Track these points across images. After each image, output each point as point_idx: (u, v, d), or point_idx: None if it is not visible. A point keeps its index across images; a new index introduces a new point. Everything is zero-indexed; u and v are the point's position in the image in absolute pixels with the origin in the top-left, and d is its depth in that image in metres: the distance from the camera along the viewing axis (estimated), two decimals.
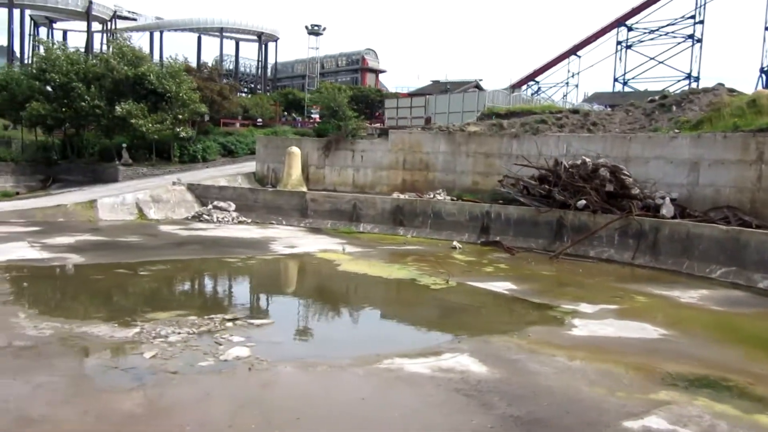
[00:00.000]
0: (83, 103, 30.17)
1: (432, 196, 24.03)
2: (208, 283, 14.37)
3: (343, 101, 35.35)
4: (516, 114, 28.16)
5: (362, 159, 27.02)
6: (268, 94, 61.97)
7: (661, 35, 67.15)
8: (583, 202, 19.87)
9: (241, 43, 79.98)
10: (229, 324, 9.75)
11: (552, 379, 7.84)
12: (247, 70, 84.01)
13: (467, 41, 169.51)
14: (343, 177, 27.49)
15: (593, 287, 14.49)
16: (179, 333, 9.10)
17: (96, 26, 61.71)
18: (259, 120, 45.74)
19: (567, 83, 72.96)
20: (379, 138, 27.05)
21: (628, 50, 70.00)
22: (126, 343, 8.61)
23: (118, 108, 29.13)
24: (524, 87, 75.73)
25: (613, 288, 14.48)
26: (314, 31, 63.06)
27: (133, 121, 29.09)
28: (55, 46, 33.28)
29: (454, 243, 20.51)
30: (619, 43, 69.29)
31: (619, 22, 69.38)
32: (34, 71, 32.62)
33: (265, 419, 6.28)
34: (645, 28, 67.89)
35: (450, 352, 8.88)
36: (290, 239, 20.44)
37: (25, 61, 59.88)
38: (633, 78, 70.04)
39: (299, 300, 12.89)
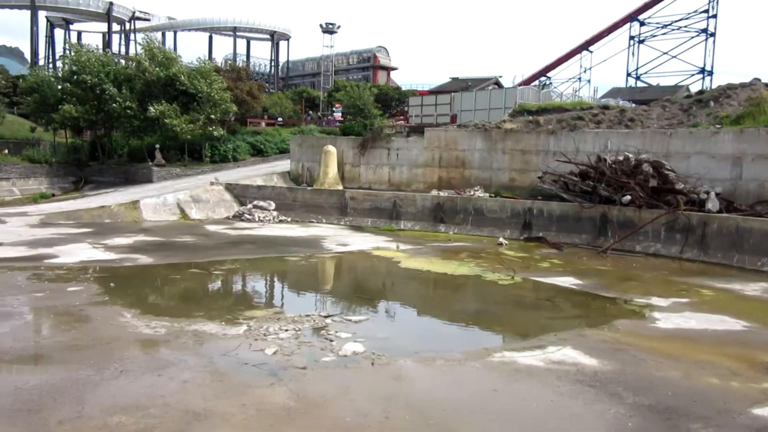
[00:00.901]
0: (115, 105, 30.41)
1: (472, 193, 24.26)
2: (284, 281, 14.62)
3: (369, 99, 35.68)
4: (547, 111, 28.34)
5: (398, 157, 27.25)
6: (282, 92, 62.13)
7: (673, 30, 67.18)
8: (628, 197, 20.10)
9: (252, 42, 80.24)
10: (328, 321, 10.01)
11: (663, 370, 8.10)
12: (258, 69, 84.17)
13: (477, 38, 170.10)
14: (378, 175, 27.73)
15: (654, 281, 14.73)
16: (286, 330, 9.37)
17: (113, 27, 61.99)
18: (280, 119, 45.99)
19: (579, 78, 72.98)
20: (415, 136, 27.25)
21: (641, 45, 70.01)
22: (241, 339, 8.87)
23: (151, 109, 29.39)
24: (535, 82, 75.77)
25: (674, 282, 14.72)
26: (329, 29, 63.24)
27: (167, 121, 29.34)
28: (84, 49, 33.45)
29: (500, 239, 20.77)
30: (631, 37, 69.32)
31: (632, 17, 69.42)
32: (65, 73, 32.84)
33: (415, 411, 6.55)
34: (658, 23, 67.93)
35: (553, 345, 9.14)
36: (337, 237, 20.70)
37: (39, 62, 60.21)
38: (645, 73, 70.10)
39: (380, 296, 13.10)
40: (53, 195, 29.22)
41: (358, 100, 36.45)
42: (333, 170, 27.10)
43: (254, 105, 36.14)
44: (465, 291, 13.39)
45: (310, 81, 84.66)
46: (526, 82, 70.58)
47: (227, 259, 15.73)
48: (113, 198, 26.34)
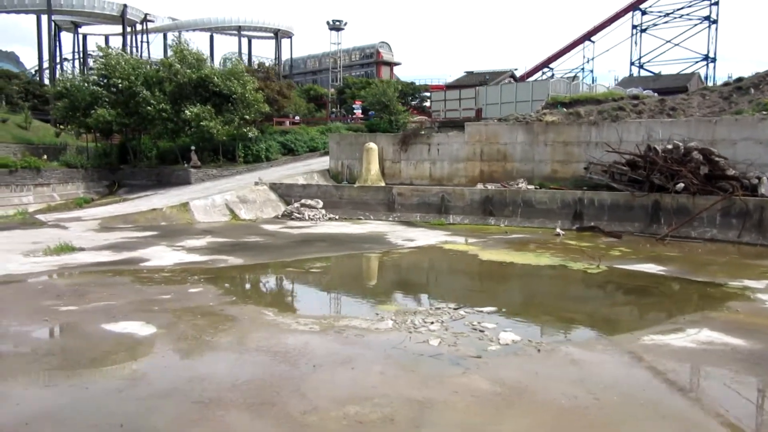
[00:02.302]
0: (149, 108, 30.51)
1: (518, 185, 24.68)
2: (383, 277, 14.79)
3: (394, 96, 35.95)
4: (580, 102, 28.83)
5: (438, 152, 27.61)
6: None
7: (675, 18, 67.95)
8: (681, 184, 20.60)
9: (253, 41, 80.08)
10: (462, 312, 10.38)
11: None
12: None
13: (478, 30, 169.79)
14: (419, 170, 28.08)
15: (731, 265, 15.22)
16: (432, 323, 9.73)
17: (118, 29, 61.74)
18: (297, 117, 46.15)
19: (582, 69, 73.65)
20: (455, 131, 27.60)
21: (643, 34, 70.74)
22: (396, 333, 9.21)
23: (187, 111, 29.53)
24: (538, 74, 76.37)
25: (750, 265, 15.22)
26: (336, 26, 63.34)
27: (203, 123, 29.49)
28: (113, 52, 33.47)
29: (558, 230, 21.22)
30: (634, 27, 70.04)
31: (633, 6, 70.10)
32: (94, 77, 32.86)
33: (617, 392, 6.93)
34: (660, 12, 68.67)
35: (690, 327, 9.56)
36: (397, 233, 21.06)
37: (44, 65, 59.90)
38: (648, 61, 70.90)
39: (488, 287, 13.43)
40: (92, 200, 29.30)
41: (383, 97, 36.71)
42: (375, 167, 27.42)
43: (284, 104, 36.34)
44: (563, 280, 13.77)
45: (311, 78, 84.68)
46: (529, 73, 71.17)
47: (312, 258, 16.03)
48: (159, 201, 26.51)
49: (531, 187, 24.62)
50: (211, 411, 6.34)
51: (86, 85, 32.34)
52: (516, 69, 60.22)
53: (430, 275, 15.09)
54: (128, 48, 51.23)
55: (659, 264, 15.14)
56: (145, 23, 56.07)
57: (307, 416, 6.26)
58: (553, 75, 77.91)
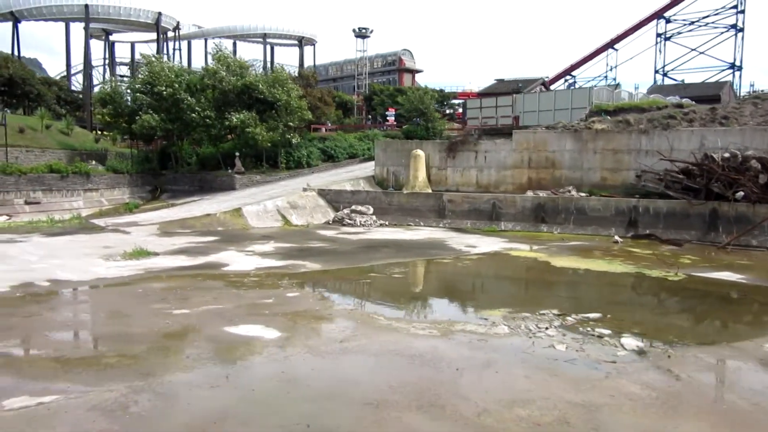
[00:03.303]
0: (194, 114, 30.84)
1: (570, 192, 24.75)
2: (465, 282, 14.77)
3: (430, 103, 36.14)
4: (624, 110, 28.86)
5: (485, 159, 27.75)
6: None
7: (700, 26, 67.88)
8: (741, 193, 20.61)
9: (275, 48, 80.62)
10: (569, 318, 10.47)
11: None
12: None
13: (500, 38, 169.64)
14: (466, 177, 28.22)
15: None
16: (546, 327, 9.84)
17: (149, 36, 62.42)
18: (328, 123, 46.43)
19: (605, 77, 73.66)
20: (502, 138, 27.73)
21: (667, 42, 70.69)
22: (516, 337, 9.33)
23: (234, 118, 29.83)
24: (560, 81, 76.49)
25: None
26: (362, 33, 63.72)
27: (248, 130, 29.78)
28: (157, 60, 33.88)
29: (615, 237, 21.28)
30: (658, 35, 70.01)
31: (658, 15, 70.12)
32: (140, 84, 33.25)
33: None
34: (684, 20, 68.60)
35: None
36: (455, 239, 21.18)
37: (74, 72, 60.62)
38: (672, 69, 70.82)
39: (578, 293, 13.42)
40: (138, 205, 29.59)
41: (420, 104, 36.92)
42: (422, 174, 27.58)
43: (325, 111, 36.62)
44: (648, 287, 13.84)
45: (333, 85, 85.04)
46: (551, 81, 71.26)
47: (387, 263, 16.18)
48: (208, 206, 26.77)
49: (582, 194, 24.67)
50: (386, 412, 6.47)
51: (129, 92, 32.69)
52: (547, 77, 60.30)
53: (512, 281, 15.14)
54: (164, 56, 51.65)
55: (735, 272, 15.19)
56: (177, 30, 56.67)
57: (483, 418, 6.38)
58: (575, 82, 78.01)
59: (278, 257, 16.71)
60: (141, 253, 16.33)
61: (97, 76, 63.68)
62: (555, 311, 10.93)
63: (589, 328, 9.86)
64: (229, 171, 31.43)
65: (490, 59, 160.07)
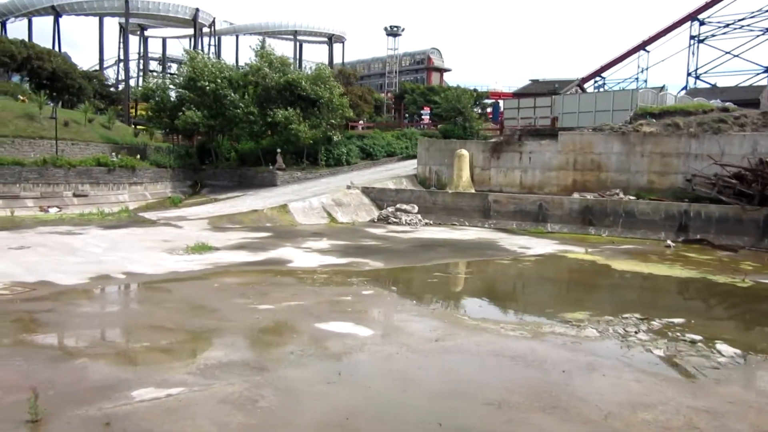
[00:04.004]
0: (237, 110, 31.06)
1: (618, 195, 24.59)
2: (533, 284, 14.77)
3: (468, 103, 36.07)
4: (669, 113, 28.55)
5: (530, 160, 27.65)
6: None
7: (735, 29, 66.93)
8: None
9: (304, 45, 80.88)
10: (655, 323, 10.43)
11: None
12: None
13: (529, 38, 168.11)
14: (509, 178, 28.15)
15: None
16: (636, 332, 9.81)
17: (185, 31, 62.96)
18: (361, 121, 46.53)
19: (636, 79, 72.94)
20: (547, 139, 27.61)
21: (700, 44, 69.79)
22: (609, 341, 9.31)
23: (278, 114, 30.00)
24: (590, 82, 75.83)
25: None
26: (393, 32, 63.74)
27: (292, 126, 29.94)
28: (199, 56, 34.19)
29: (668, 242, 21.09)
30: (692, 37, 69.11)
31: (692, 17, 69.20)
32: (180, 80, 33.56)
33: None
34: (719, 22, 67.67)
35: None
36: (505, 240, 21.15)
37: (105, 66, 61.29)
38: (705, 72, 69.92)
39: (651, 298, 13.32)
40: (181, 199, 29.86)
41: (458, 103, 36.87)
42: (466, 174, 27.56)
43: (365, 109, 36.72)
44: (721, 293, 13.73)
45: (360, 83, 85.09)
46: (582, 82, 70.71)
47: (448, 263, 16.26)
48: (252, 202, 26.98)
49: (631, 197, 24.48)
50: (512, 413, 6.51)
51: (172, 87, 33.01)
52: (577, 78, 59.87)
53: (578, 283, 15.04)
54: (201, 52, 52.13)
55: None
56: (212, 26, 57.14)
57: (610, 421, 6.39)
58: (604, 84, 77.34)
59: (337, 254, 16.81)
60: (203, 248, 16.51)
61: (133, 72, 64.18)
62: (637, 315, 10.89)
63: (678, 333, 9.81)
64: (270, 167, 31.62)
65: (517, 59, 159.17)
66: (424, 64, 78.55)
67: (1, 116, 28.99)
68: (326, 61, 76.46)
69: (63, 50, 50.13)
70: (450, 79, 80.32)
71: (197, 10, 51.34)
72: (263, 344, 8.81)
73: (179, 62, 78.20)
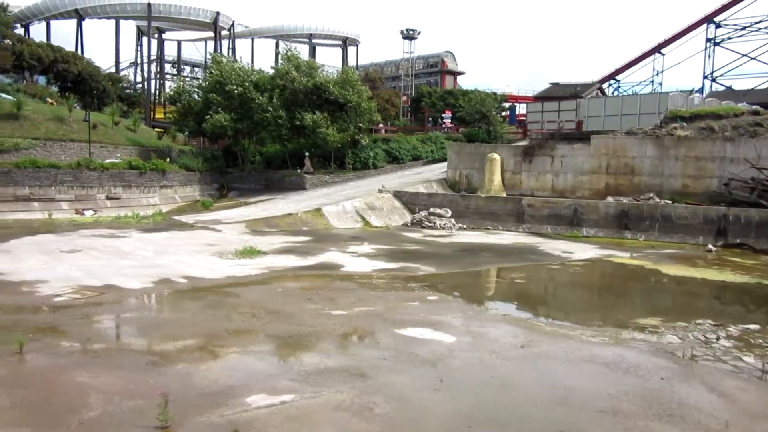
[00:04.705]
0: (266, 114, 31.13)
1: (654, 199, 24.53)
2: (591, 289, 14.84)
3: (492, 106, 36.05)
4: (700, 117, 28.47)
5: (562, 164, 27.62)
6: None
7: (752, 31, 66.80)
8: None
9: (317, 48, 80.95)
10: (731, 330, 10.39)
11: None
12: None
13: (543, 40, 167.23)
14: (541, 182, 28.12)
15: None
16: (716, 339, 9.79)
17: (200, 34, 63.19)
18: (381, 125, 46.55)
19: (651, 81, 72.88)
20: (579, 143, 27.58)
21: (716, 47, 69.69)
22: (690, 347, 9.29)
23: (307, 118, 30.05)
24: (605, 85, 75.70)
25: None
26: (409, 35, 63.80)
27: (320, 130, 29.99)
28: (225, 60, 34.29)
29: (709, 246, 21.00)
30: (708, 40, 69.02)
31: (707, 20, 69.13)
32: (207, 84, 33.65)
33: None
34: (736, 25, 67.56)
35: None
36: (544, 244, 21.13)
37: (123, 69, 61.47)
38: (722, 75, 69.80)
39: (711, 304, 13.30)
40: (211, 203, 29.89)
41: (482, 107, 36.88)
42: (498, 178, 27.55)
43: (392, 112, 36.75)
44: None
45: (372, 86, 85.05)
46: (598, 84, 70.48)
47: (496, 267, 16.28)
48: (284, 205, 27.02)
49: (667, 201, 24.40)
50: (629, 421, 6.49)
51: (198, 90, 33.11)
52: (592, 80, 59.77)
53: (635, 288, 14.85)
54: (226, 54, 52.27)
55: None
56: (232, 29, 57.33)
57: (733, 430, 6.36)
58: (619, 87, 77.27)
59: (385, 259, 16.82)
60: (252, 252, 16.54)
61: (144, 73, 64.31)
62: (710, 321, 10.85)
63: (760, 341, 9.76)
64: (298, 170, 31.67)
65: (528, 61, 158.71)
66: (437, 67, 78.58)
67: (32, 119, 29.16)
68: (339, 64, 76.58)
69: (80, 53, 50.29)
70: (462, 82, 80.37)
71: (218, 13, 51.53)
72: (351, 350, 8.83)
73: (194, 65, 78.68)
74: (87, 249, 16.54)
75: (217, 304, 11.14)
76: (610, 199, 25.28)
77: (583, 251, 19.63)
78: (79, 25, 49.50)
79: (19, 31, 46.80)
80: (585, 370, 8.19)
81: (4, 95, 30.08)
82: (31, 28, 51.19)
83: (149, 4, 47.33)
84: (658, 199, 24.86)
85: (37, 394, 6.72)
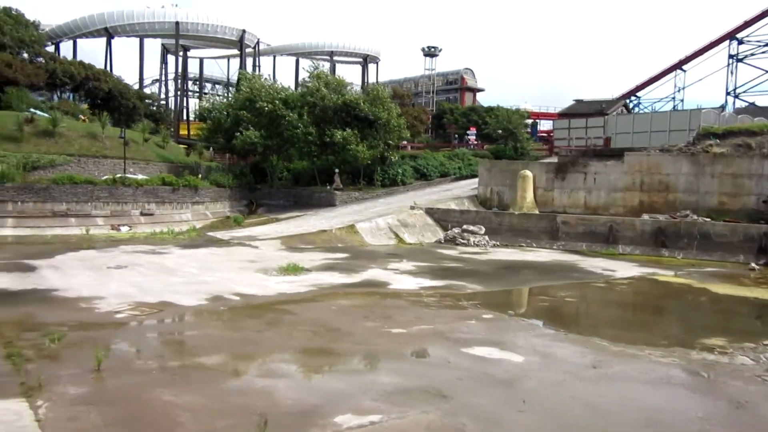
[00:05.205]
0: (297, 131, 31.32)
1: (693, 217, 24.29)
2: (643, 308, 14.70)
3: (520, 122, 36.04)
4: (734, 134, 28.28)
5: (595, 181, 27.48)
6: None
7: None
8: None
9: (337, 65, 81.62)
10: None
11: None
12: None
13: (560, 57, 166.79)
14: (573, 199, 27.98)
15: None
16: None
17: (223, 52, 63.95)
18: (404, 141, 46.64)
19: (673, 98, 72.51)
20: (612, 160, 27.45)
21: (739, 63, 69.25)
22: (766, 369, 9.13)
23: (337, 135, 30.21)
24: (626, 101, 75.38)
25: None
26: (430, 52, 64.18)
27: (351, 147, 30.11)
28: (256, 78, 34.65)
29: (752, 264, 20.74)
30: (731, 56, 68.63)
31: (730, 36, 68.78)
32: (236, 101, 33.96)
33: None
34: (759, 41, 67.15)
35: None
36: (582, 262, 20.98)
37: (145, 85, 62.32)
38: (745, 92, 69.31)
39: None
40: (242, 219, 30.00)
41: (509, 124, 36.88)
42: (530, 195, 27.46)
43: (420, 129, 36.88)
44: None
45: (401, 103, 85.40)
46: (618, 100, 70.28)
47: (542, 285, 16.17)
48: (316, 222, 27.08)
49: (705, 219, 24.15)
50: None
51: (228, 107, 33.43)
52: (612, 96, 59.63)
53: (690, 308, 14.62)
54: (252, 72, 52.87)
55: None
56: (257, 47, 58.02)
57: None
58: (639, 103, 76.95)
59: (429, 276, 16.77)
60: (296, 269, 16.55)
61: (168, 90, 65.16)
62: None
63: None
64: (328, 187, 31.78)
65: (544, 78, 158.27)
66: (457, 84, 78.75)
67: (66, 136, 29.57)
68: (359, 81, 77.10)
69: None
70: (480, 99, 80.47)
71: (244, 31, 52.20)
72: (423, 369, 8.78)
73: (215, 82, 79.62)
74: (132, 265, 16.64)
75: (276, 322, 11.13)
76: (645, 216, 25.09)
77: (624, 269, 19.45)
78: (108, 44, 50.38)
79: (50, 48, 47.64)
80: (665, 391, 8.06)
81: (39, 113, 30.54)
82: (61, 46, 52.15)
83: (177, 23, 48.09)
84: (695, 217, 24.61)
85: (127, 412, 6.72)
